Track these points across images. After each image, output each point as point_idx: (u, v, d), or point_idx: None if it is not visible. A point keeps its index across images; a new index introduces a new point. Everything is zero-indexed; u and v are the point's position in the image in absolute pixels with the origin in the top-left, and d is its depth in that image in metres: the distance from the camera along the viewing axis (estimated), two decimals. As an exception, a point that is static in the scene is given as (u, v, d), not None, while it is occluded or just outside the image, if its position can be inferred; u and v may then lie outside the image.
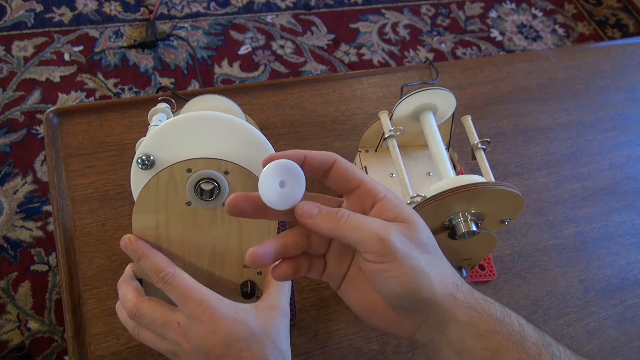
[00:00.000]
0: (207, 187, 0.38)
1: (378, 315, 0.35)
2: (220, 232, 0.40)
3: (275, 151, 0.41)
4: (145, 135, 0.43)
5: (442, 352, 0.34)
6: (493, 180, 0.50)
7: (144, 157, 0.39)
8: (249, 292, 0.42)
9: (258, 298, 0.41)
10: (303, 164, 0.32)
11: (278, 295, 0.40)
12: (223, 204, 0.39)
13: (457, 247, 0.50)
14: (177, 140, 0.39)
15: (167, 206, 0.39)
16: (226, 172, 0.38)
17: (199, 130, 0.39)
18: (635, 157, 0.73)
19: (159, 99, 0.50)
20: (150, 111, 0.48)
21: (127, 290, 0.39)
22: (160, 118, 0.47)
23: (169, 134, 0.39)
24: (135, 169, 0.40)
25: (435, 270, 0.33)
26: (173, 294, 0.37)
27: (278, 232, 0.43)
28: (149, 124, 0.47)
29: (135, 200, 0.39)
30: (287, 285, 0.42)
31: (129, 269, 0.42)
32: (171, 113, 0.49)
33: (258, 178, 0.39)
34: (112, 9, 1.53)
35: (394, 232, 0.32)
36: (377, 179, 0.57)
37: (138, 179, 0.41)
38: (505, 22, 1.80)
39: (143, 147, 0.39)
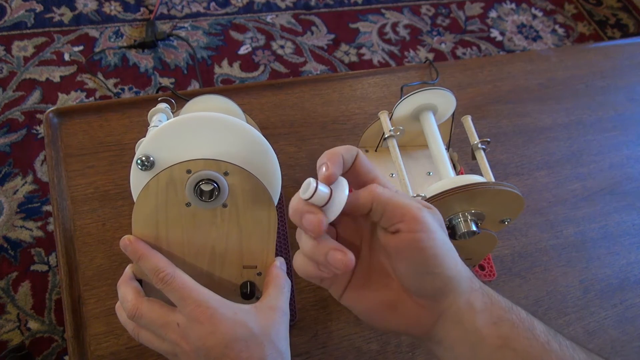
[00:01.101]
0: (206, 188, 0.38)
1: (396, 312, 0.34)
2: (220, 233, 0.40)
3: (275, 151, 0.42)
4: (145, 136, 0.43)
5: (456, 348, 0.34)
6: (493, 180, 0.50)
7: (143, 158, 0.39)
8: (249, 293, 0.42)
9: (258, 299, 0.41)
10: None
11: (278, 296, 0.40)
12: (223, 205, 0.39)
13: (457, 247, 0.50)
14: (176, 141, 0.39)
15: (166, 207, 0.39)
16: (226, 173, 0.38)
17: (198, 131, 0.39)
18: (635, 157, 0.73)
19: (159, 99, 0.50)
20: (150, 111, 0.48)
21: (126, 291, 0.39)
22: (160, 118, 0.47)
23: (169, 134, 0.39)
24: (135, 169, 0.40)
25: (455, 252, 0.34)
26: (172, 295, 0.37)
27: (278, 232, 0.43)
28: (149, 124, 0.47)
29: (135, 200, 0.39)
30: (286, 286, 0.42)
31: (128, 269, 0.42)
32: (171, 113, 0.49)
33: (257, 179, 0.39)
34: (112, 9, 1.53)
35: (424, 207, 0.32)
36: (377, 179, 0.58)
37: (138, 179, 0.41)
38: (505, 22, 1.80)
39: (142, 148, 0.39)
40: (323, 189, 0.30)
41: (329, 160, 0.31)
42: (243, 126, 0.40)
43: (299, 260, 0.33)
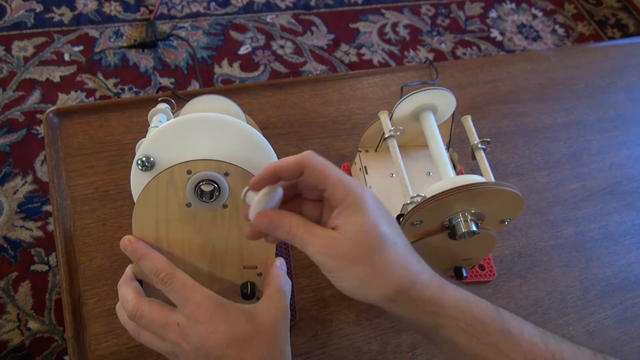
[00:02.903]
0: (207, 188, 0.38)
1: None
2: (220, 233, 0.40)
3: (275, 151, 0.42)
4: (145, 136, 0.43)
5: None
6: (493, 180, 0.50)
7: (144, 159, 0.39)
8: (249, 293, 0.42)
9: (258, 299, 0.41)
10: (279, 178, 0.35)
11: (278, 296, 0.40)
12: (223, 206, 0.39)
13: (457, 247, 0.50)
14: (177, 141, 0.39)
15: (167, 207, 0.39)
16: (226, 174, 0.38)
17: (199, 132, 0.39)
18: (635, 157, 0.73)
19: (159, 99, 0.50)
20: (150, 112, 0.48)
21: (126, 291, 0.39)
22: (160, 119, 0.47)
23: (169, 135, 0.39)
24: (135, 170, 0.40)
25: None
26: (172, 295, 0.37)
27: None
28: (149, 125, 0.47)
29: (135, 201, 0.39)
30: (287, 287, 0.42)
31: (129, 270, 0.41)
32: (171, 114, 0.49)
33: None
34: (112, 9, 1.53)
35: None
36: (377, 179, 0.58)
37: (138, 180, 0.41)
38: (505, 22, 1.80)
39: (143, 148, 0.39)
40: (249, 193, 0.36)
41: (259, 173, 0.35)
42: (243, 126, 0.40)
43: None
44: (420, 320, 0.35)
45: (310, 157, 0.35)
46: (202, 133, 0.39)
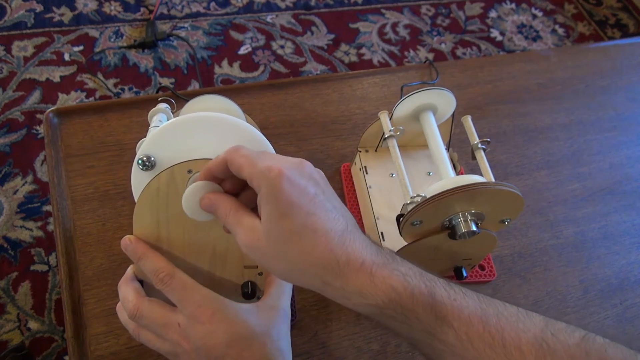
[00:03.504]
0: None
1: None
2: (220, 233, 0.40)
3: (275, 151, 0.42)
4: (145, 136, 0.43)
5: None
6: (493, 180, 0.50)
7: (144, 158, 0.39)
8: (250, 292, 0.42)
9: (259, 299, 0.41)
10: (214, 177, 0.36)
11: (279, 296, 0.40)
12: None
13: (457, 247, 0.50)
14: (177, 141, 0.39)
15: (167, 207, 0.39)
16: None
17: (199, 131, 0.39)
18: (635, 157, 0.73)
19: (159, 99, 0.50)
20: (150, 112, 0.48)
21: (127, 291, 0.39)
22: (160, 119, 0.47)
23: (170, 135, 0.39)
24: (136, 170, 0.40)
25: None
26: (172, 295, 0.37)
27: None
28: (149, 125, 0.47)
29: (135, 201, 0.39)
30: (288, 286, 0.42)
31: (130, 270, 0.41)
32: (171, 113, 0.49)
33: None
34: (112, 9, 1.53)
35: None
36: (377, 179, 0.58)
37: (139, 179, 0.41)
38: (505, 22, 1.80)
39: (144, 148, 0.39)
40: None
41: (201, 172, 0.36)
42: (244, 126, 0.40)
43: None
44: (353, 309, 0.34)
45: (231, 151, 0.34)
46: (202, 132, 0.39)
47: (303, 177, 0.33)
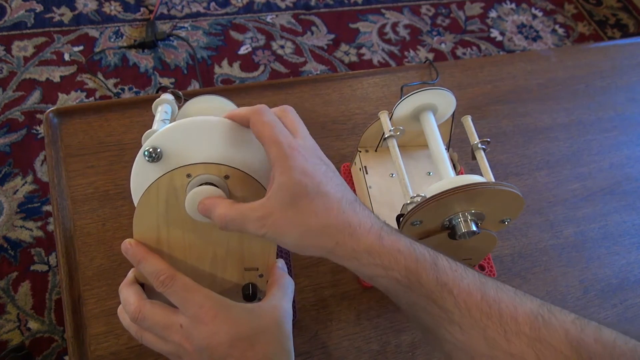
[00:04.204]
0: None
1: None
2: (221, 236, 0.40)
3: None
4: (144, 136, 0.43)
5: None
6: (493, 180, 0.50)
7: (151, 150, 0.38)
8: (251, 294, 0.42)
9: (260, 300, 0.41)
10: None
11: (281, 296, 0.40)
12: None
13: (457, 247, 0.50)
14: (188, 141, 0.39)
15: (167, 211, 0.39)
16: (226, 177, 0.38)
17: (209, 134, 0.39)
18: (635, 157, 0.73)
19: (168, 90, 0.50)
20: (156, 102, 0.47)
21: (128, 294, 0.39)
22: (165, 109, 0.46)
23: (181, 133, 0.38)
24: (138, 162, 0.39)
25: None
26: (174, 297, 0.37)
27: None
28: (153, 117, 0.46)
29: (135, 201, 0.39)
30: (290, 287, 0.42)
31: (131, 273, 0.41)
32: (176, 106, 0.48)
33: (258, 182, 0.39)
34: (112, 9, 1.53)
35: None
36: (377, 179, 0.58)
37: (140, 172, 0.40)
38: (505, 22, 1.80)
39: (153, 139, 0.38)
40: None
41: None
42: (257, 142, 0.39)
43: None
44: (359, 270, 0.36)
45: (256, 112, 0.37)
46: (210, 136, 0.39)
47: (315, 156, 0.37)
